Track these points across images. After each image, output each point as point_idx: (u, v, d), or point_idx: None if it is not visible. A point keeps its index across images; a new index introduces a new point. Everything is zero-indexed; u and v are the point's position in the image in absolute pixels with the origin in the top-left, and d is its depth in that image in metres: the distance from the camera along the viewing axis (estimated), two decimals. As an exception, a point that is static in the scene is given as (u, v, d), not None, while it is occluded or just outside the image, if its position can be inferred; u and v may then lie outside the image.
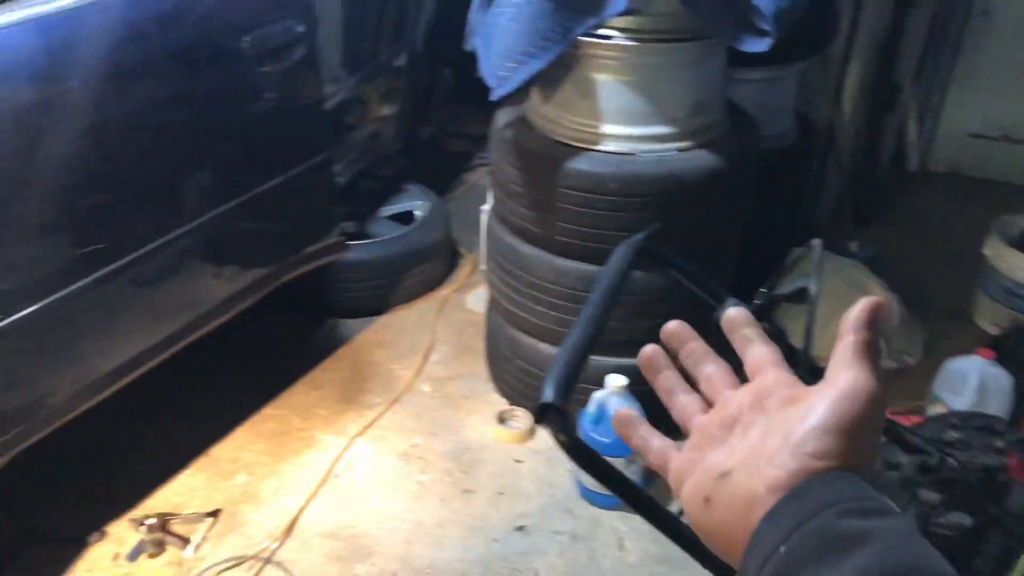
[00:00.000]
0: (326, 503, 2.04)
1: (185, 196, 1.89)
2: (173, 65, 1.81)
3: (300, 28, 2.01)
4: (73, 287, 1.67)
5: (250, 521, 1.98)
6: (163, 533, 1.93)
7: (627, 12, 1.83)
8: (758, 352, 0.52)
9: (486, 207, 2.36)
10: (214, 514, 2.00)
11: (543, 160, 1.97)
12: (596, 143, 1.97)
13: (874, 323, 0.47)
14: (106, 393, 1.80)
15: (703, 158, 1.96)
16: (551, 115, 2.04)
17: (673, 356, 0.57)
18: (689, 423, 0.53)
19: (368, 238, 2.59)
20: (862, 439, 0.44)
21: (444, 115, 3.25)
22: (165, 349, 1.90)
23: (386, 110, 2.59)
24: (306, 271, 2.23)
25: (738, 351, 0.54)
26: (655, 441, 0.54)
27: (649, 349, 0.56)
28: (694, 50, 1.96)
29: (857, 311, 0.47)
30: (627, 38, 1.92)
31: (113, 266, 1.74)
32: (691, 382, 0.56)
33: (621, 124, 1.97)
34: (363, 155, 2.55)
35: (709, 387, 0.54)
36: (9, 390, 1.63)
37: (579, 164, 1.92)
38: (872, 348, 0.47)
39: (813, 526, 0.41)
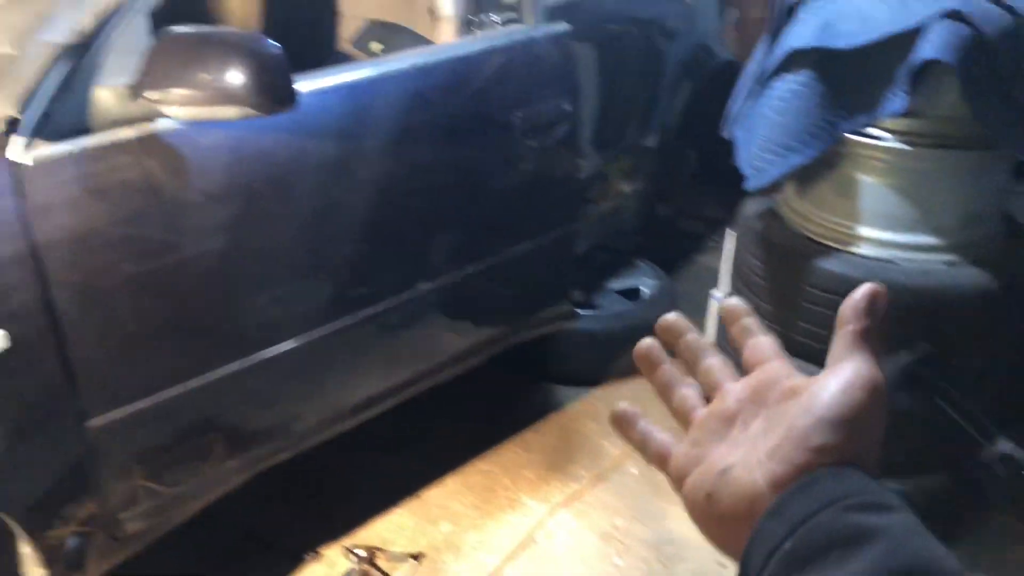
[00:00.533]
0: (523, 567, 2.04)
1: (438, 254, 2.02)
2: (448, 132, 1.97)
3: (567, 107, 2.11)
4: (330, 326, 1.82)
5: (449, 571, 2.03)
6: (370, 566, 2.02)
7: (905, 113, 1.75)
8: (758, 343, 0.51)
9: (717, 292, 2.32)
10: (417, 557, 2.07)
11: (791, 255, 1.91)
12: (851, 245, 1.88)
13: (874, 311, 0.45)
14: (344, 426, 1.94)
15: (972, 274, 1.80)
16: (804, 210, 1.97)
17: (670, 351, 0.55)
18: (688, 418, 0.51)
19: (594, 309, 2.62)
20: (865, 431, 0.43)
21: (683, 196, 3.25)
22: (399, 392, 2.02)
23: (628, 187, 2.64)
24: (535, 335, 2.30)
25: (736, 342, 0.52)
26: (655, 436, 0.52)
27: (645, 343, 0.54)
28: (974, 159, 1.82)
29: (855, 299, 0.46)
30: (899, 140, 1.83)
31: (367, 311, 1.88)
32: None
33: (881, 228, 1.87)
34: (600, 229, 2.61)
35: (708, 380, 0.52)
36: (263, 410, 1.81)
37: (831, 265, 1.84)
38: (873, 337, 0.45)
39: (819, 521, 0.40)
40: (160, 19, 1.55)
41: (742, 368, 0.51)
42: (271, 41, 1.49)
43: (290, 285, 1.76)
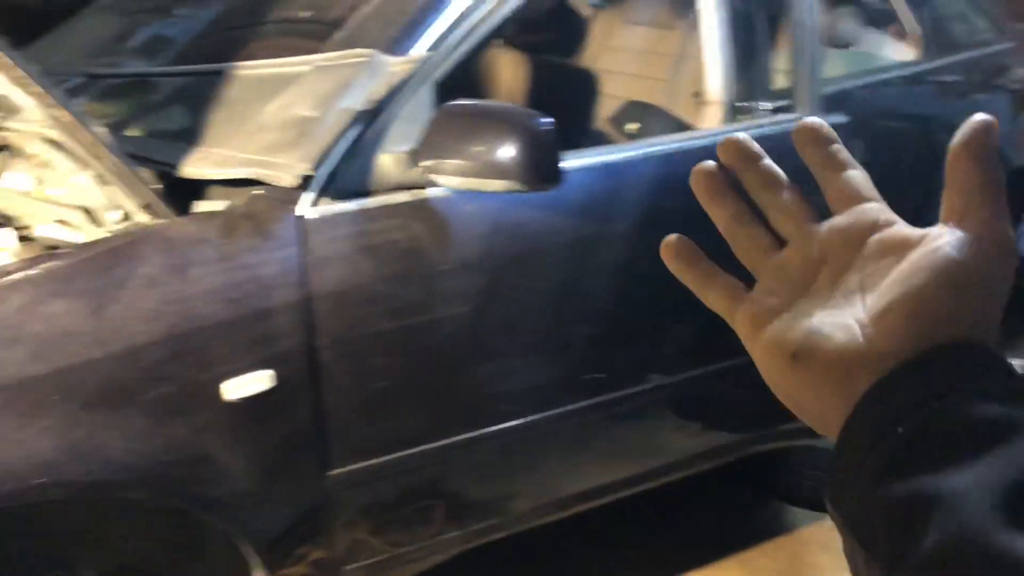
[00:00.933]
0: None
1: (676, 348, 1.93)
2: (701, 220, 1.88)
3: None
4: (560, 409, 1.77)
5: None
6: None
7: None
8: (850, 178, 0.41)
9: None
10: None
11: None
12: None
13: (991, 150, 0.37)
14: (560, 514, 1.87)
15: None
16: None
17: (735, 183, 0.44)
18: (760, 261, 0.42)
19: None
20: (992, 300, 0.36)
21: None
22: (620, 488, 1.92)
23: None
24: (772, 448, 2.12)
25: (818, 175, 0.41)
26: (721, 277, 0.43)
27: (707, 165, 0.44)
28: None
29: (966, 137, 0.37)
30: None
31: (598, 399, 1.82)
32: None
33: None
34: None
35: (785, 219, 0.42)
36: (485, 484, 1.78)
37: None
38: (995, 184, 0.37)
39: (943, 408, 0.33)
40: (443, 90, 1.63)
41: (828, 207, 0.41)
42: (545, 119, 1.51)
43: (526, 362, 1.74)
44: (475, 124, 1.51)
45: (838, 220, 0.41)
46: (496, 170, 1.46)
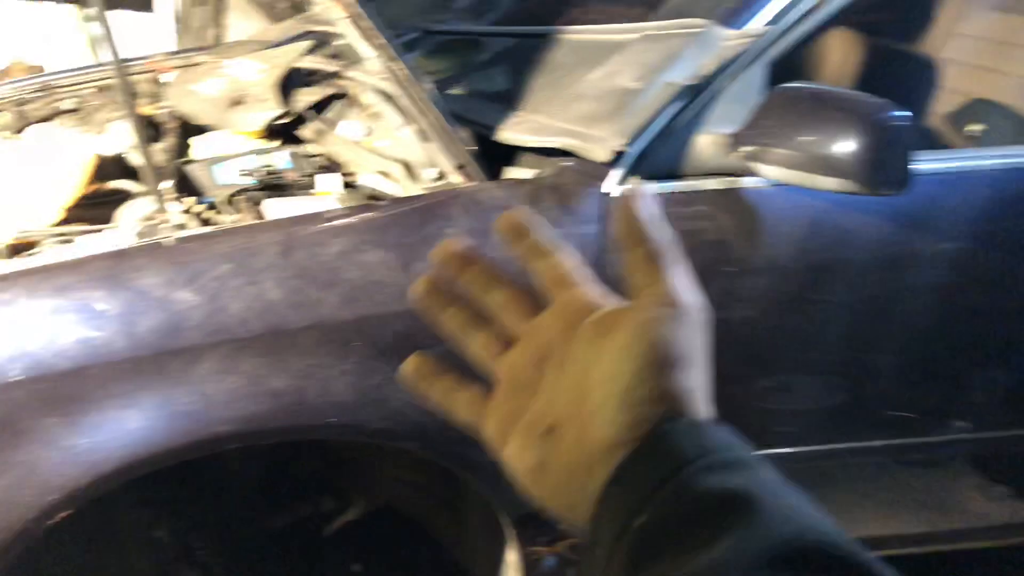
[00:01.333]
0: None
1: (988, 396, 1.64)
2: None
3: None
4: (843, 444, 1.60)
5: None
6: None
7: None
8: (558, 265, 0.43)
9: None
10: None
11: None
12: None
13: (646, 223, 0.38)
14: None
15: None
16: None
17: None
18: (493, 366, 0.44)
19: None
20: (690, 370, 0.37)
21: None
22: (899, 545, 1.69)
23: None
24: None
25: (526, 266, 0.43)
26: (462, 391, 0.45)
27: (424, 280, 0.46)
28: None
29: (619, 217, 0.39)
30: None
31: (890, 440, 1.62)
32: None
33: None
34: None
35: (507, 318, 0.44)
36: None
37: None
38: (664, 254, 0.39)
39: (673, 490, 0.34)
40: (774, 70, 1.47)
41: (541, 296, 0.42)
42: (899, 112, 1.30)
43: (815, 384, 1.56)
44: (812, 110, 1.33)
45: (553, 309, 0.41)
46: (830, 166, 1.29)
